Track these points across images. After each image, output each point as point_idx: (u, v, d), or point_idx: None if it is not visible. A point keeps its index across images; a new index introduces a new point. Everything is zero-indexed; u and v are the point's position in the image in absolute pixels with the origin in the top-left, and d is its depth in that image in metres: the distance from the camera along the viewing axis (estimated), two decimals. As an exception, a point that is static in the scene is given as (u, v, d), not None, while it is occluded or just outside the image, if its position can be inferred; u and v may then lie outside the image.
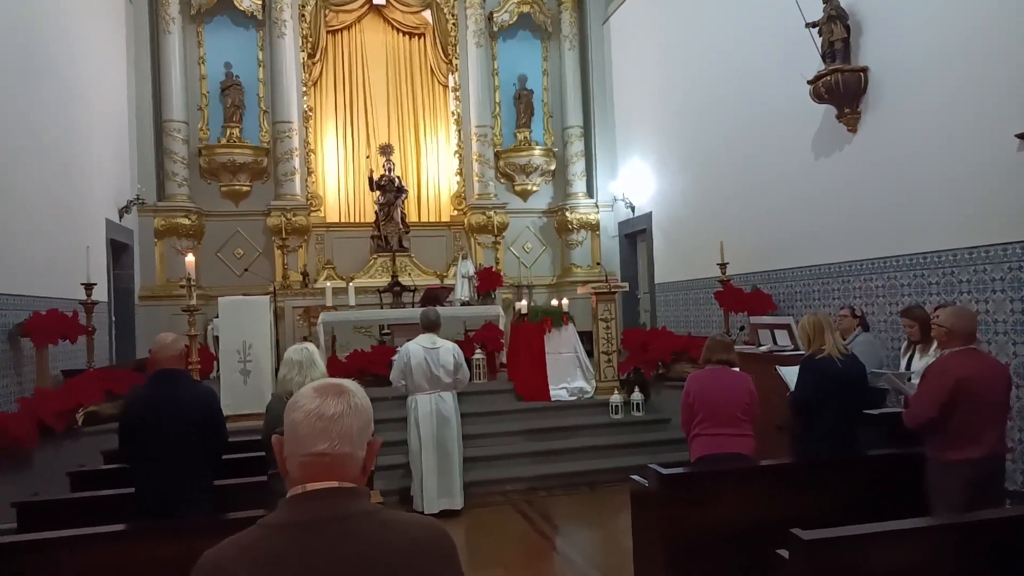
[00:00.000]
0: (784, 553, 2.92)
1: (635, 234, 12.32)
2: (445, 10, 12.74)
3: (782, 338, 6.68)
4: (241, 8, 11.71)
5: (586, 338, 8.85)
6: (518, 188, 13.07)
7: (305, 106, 12.20)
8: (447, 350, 6.26)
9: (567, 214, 12.82)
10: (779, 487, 3.89)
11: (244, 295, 8.49)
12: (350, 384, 1.44)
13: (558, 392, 8.25)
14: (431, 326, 6.32)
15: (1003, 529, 3.10)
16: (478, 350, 8.69)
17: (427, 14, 12.86)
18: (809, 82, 6.93)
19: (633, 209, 11.94)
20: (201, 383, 4.48)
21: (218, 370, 7.93)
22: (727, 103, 9.05)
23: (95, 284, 7.92)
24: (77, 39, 8.73)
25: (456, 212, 12.90)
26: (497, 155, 12.91)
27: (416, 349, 6.21)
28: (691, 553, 3.64)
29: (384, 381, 7.00)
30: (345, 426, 1.37)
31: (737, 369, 4.43)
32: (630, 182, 12.03)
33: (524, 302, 9.42)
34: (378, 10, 12.90)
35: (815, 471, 4.04)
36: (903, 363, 5.25)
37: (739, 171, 8.82)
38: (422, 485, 6.16)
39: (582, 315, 10.05)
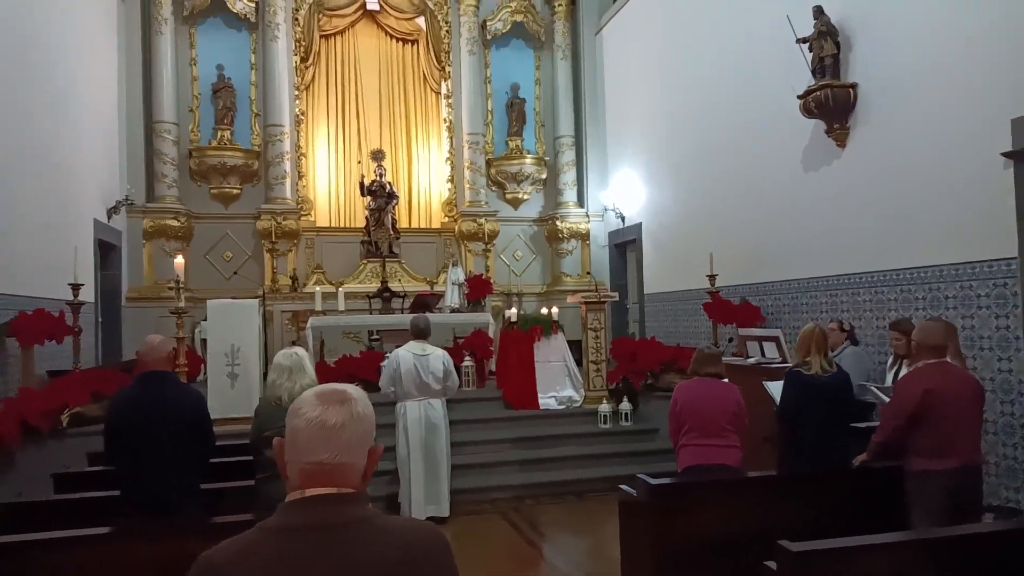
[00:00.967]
0: (772, 564, 2.94)
1: (625, 244, 12.36)
2: (439, 17, 12.75)
3: (770, 350, 6.73)
4: (234, 10, 11.67)
5: (575, 347, 8.87)
6: (509, 196, 13.09)
7: (297, 110, 12.17)
8: (437, 357, 6.26)
9: (558, 223, 12.84)
10: (766, 498, 3.92)
11: (233, 298, 8.44)
12: (353, 391, 1.43)
13: (547, 401, 8.25)
14: (421, 333, 6.32)
15: (990, 543, 3.14)
16: (467, 357, 8.69)
17: (420, 21, 12.87)
18: (799, 97, 6.99)
19: (623, 219, 11.99)
20: (189, 386, 4.45)
21: (205, 373, 7.88)
22: (718, 117, 9.11)
23: (82, 285, 7.85)
24: (68, 39, 8.68)
25: (447, 219, 12.90)
26: (488, 163, 12.93)
27: (406, 356, 6.20)
28: (678, 563, 3.65)
29: (373, 387, 6.96)
30: (346, 436, 1.36)
31: (726, 380, 4.45)
32: (621, 192, 12.08)
33: (514, 310, 9.41)
34: (371, 16, 12.93)
35: (800, 482, 4.07)
36: (889, 377, 5.29)
37: (729, 184, 8.88)
38: (410, 492, 6.14)
39: (571, 324, 10.08)
